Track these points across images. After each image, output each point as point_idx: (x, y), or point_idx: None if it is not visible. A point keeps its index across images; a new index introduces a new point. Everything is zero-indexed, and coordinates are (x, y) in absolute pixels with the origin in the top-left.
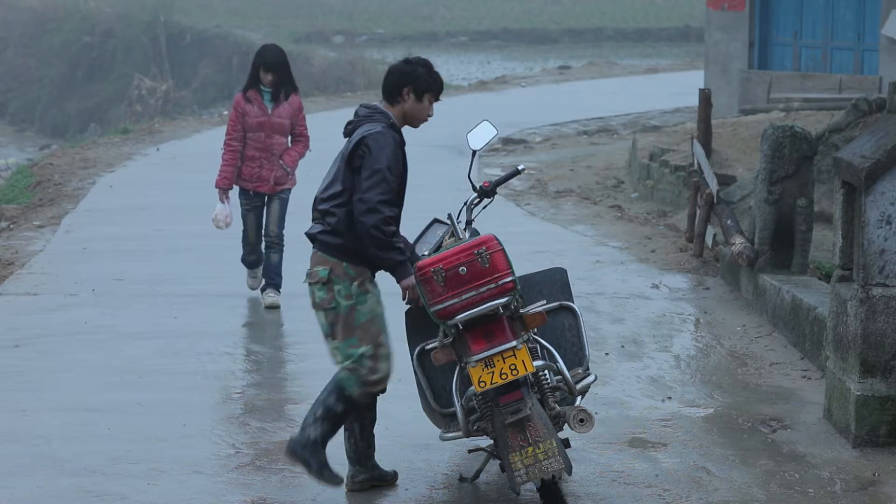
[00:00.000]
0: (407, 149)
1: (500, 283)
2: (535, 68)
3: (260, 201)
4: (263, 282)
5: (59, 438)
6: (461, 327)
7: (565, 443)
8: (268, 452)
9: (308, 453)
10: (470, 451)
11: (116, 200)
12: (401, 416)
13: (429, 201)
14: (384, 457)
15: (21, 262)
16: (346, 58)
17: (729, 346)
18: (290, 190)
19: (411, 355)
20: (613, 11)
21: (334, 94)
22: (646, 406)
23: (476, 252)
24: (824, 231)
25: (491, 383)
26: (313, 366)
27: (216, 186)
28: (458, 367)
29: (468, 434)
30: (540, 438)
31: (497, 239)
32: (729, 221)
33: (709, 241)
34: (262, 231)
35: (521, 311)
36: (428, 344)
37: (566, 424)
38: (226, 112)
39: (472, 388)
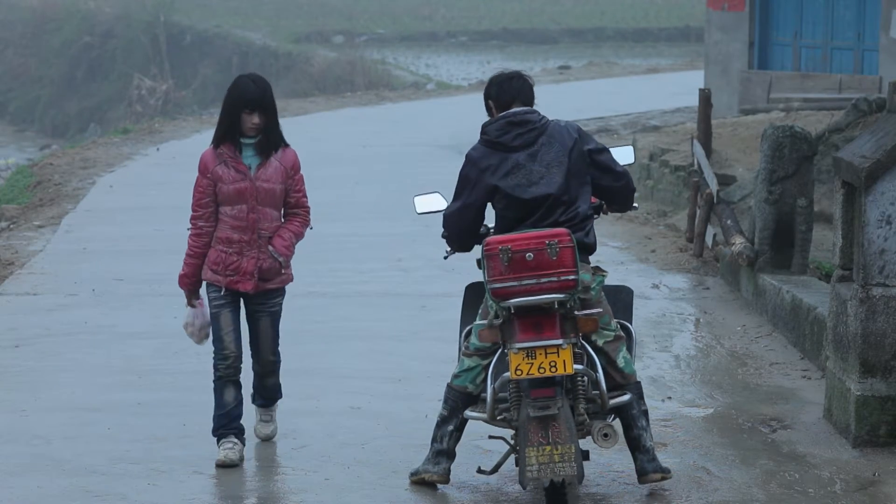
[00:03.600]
0: (407, 149)
1: (562, 278)
2: (535, 68)
3: (237, 298)
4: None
5: (59, 438)
6: (513, 311)
7: (584, 454)
8: (268, 452)
9: (657, 462)
10: (490, 437)
11: (116, 200)
12: (401, 416)
13: None
14: (384, 457)
15: (21, 262)
16: (346, 58)
17: (729, 346)
18: (283, 293)
19: (461, 331)
20: (613, 11)
21: (334, 94)
22: None
23: (547, 242)
24: (824, 231)
25: (527, 374)
26: (313, 365)
27: (180, 286)
28: (498, 351)
29: (492, 418)
30: (560, 441)
31: (571, 235)
32: (729, 221)
33: (709, 241)
34: (255, 354)
35: (576, 312)
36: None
37: (589, 436)
38: None
39: (507, 374)
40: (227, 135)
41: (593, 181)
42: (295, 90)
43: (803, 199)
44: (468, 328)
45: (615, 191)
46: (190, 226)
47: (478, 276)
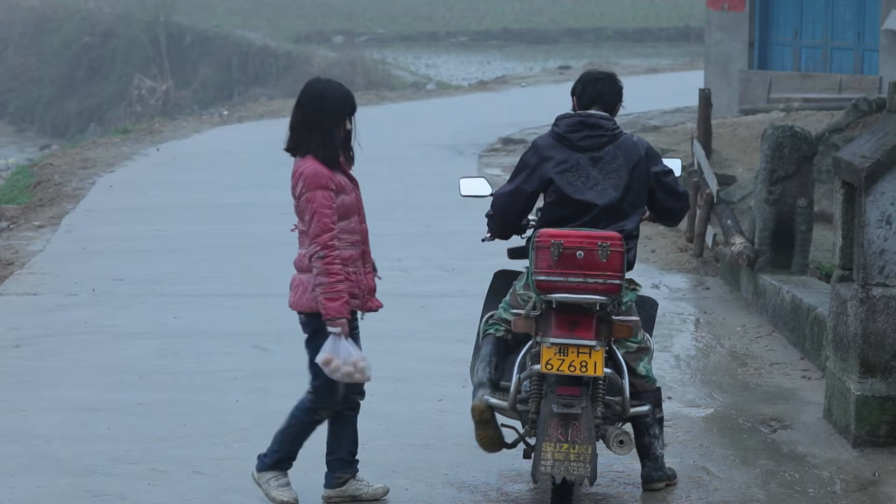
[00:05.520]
0: (406, 149)
1: (608, 281)
2: (535, 68)
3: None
4: (333, 465)
5: (59, 438)
6: (553, 306)
7: None
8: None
9: (662, 470)
10: (502, 426)
11: (116, 200)
12: (401, 416)
13: (429, 201)
14: (384, 457)
15: (21, 262)
16: (346, 58)
17: (729, 346)
18: None
19: (481, 317)
20: (613, 11)
21: None
22: None
23: (599, 243)
24: (824, 231)
25: (557, 370)
26: None
27: (339, 317)
28: (529, 343)
29: (512, 407)
30: (579, 440)
31: (622, 240)
32: (729, 221)
33: (709, 241)
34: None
35: (614, 316)
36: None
37: (603, 440)
38: (226, 112)
39: (536, 366)
40: (340, 145)
41: (656, 200)
42: (295, 90)
43: (803, 199)
44: (489, 314)
45: (675, 210)
46: (322, 252)
47: (498, 266)
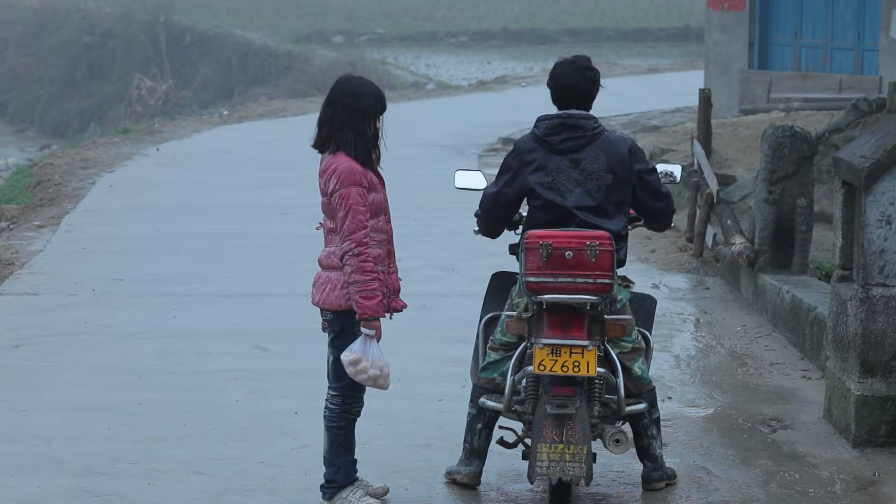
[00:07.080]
0: (407, 149)
1: (598, 280)
2: (535, 68)
3: None
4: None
5: (59, 438)
6: (544, 307)
7: (592, 457)
8: (268, 452)
9: (662, 470)
10: (500, 427)
11: (116, 200)
12: (401, 416)
13: (429, 201)
14: (384, 457)
15: (21, 262)
16: (346, 58)
17: (729, 346)
18: None
19: (480, 319)
20: (613, 11)
21: None
22: None
23: (588, 243)
24: (824, 231)
25: (550, 370)
26: (313, 365)
27: (375, 315)
28: (523, 344)
29: (508, 409)
30: (574, 441)
31: (612, 240)
32: (729, 221)
33: (709, 241)
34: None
35: (606, 316)
36: (499, 313)
37: (601, 439)
38: (226, 112)
39: (529, 367)
40: (373, 142)
41: (638, 199)
42: (295, 90)
43: (803, 199)
44: (487, 315)
45: (656, 211)
46: (355, 251)
47: (498, 266)
